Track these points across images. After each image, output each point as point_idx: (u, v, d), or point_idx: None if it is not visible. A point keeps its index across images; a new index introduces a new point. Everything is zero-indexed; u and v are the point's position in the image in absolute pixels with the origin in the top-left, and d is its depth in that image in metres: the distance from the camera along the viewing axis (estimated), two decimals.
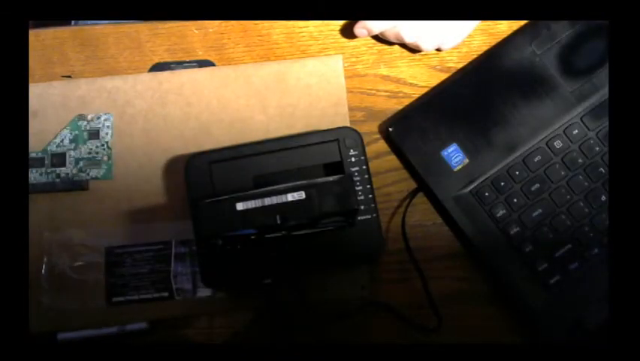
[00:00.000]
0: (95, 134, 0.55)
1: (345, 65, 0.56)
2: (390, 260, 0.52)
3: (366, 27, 0.54)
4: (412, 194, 0.53)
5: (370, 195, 0.50)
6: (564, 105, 0.54)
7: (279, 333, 0.50)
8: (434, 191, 0.52)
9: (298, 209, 0.45)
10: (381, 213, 0.50)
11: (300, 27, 0.57)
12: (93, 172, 0.54)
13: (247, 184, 0.50)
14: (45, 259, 0.52)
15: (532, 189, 0.52)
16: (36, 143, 0.54)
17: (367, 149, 0.51)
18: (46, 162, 0.54)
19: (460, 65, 0.56)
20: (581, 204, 0.52)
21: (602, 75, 0.54)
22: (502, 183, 0.52)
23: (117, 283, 0.52)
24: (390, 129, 0.54)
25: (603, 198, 0.52)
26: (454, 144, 0.53)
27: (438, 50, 0.55)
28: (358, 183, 0.50)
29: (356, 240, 0.49)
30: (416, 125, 0.54)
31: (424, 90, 0.56)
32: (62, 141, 0.54)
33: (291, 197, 0.45)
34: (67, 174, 0.54)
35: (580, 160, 0.53)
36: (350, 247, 0.49)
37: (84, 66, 0.56)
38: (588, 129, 0.53)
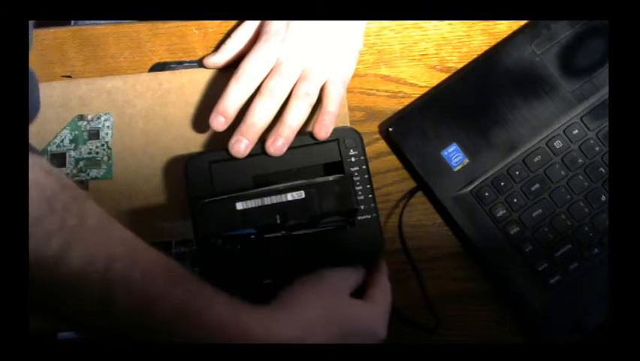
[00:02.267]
0: (95, 134, 0.55)
1: None
2: (390, 260, 0.52)
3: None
4: (410, 193, 0.53)
5: (370, 195, 0.50)
6: (564, 105, 0.54)
7: None
8: (434, 191, 0.52)
9: (298, 209, 0.45)
10: (381, 213, 0.50)
11: None
12: (93, 172, 0.54)
13: (247, 184, 0.49)
14: None
15: (532, 189, 0.52)
16: (36, 143, 0.54)
17: (367, 149, 0.51)
18: None
19: (460, 65, 0.56)
20: (581, 204, 0.52)
21: (602, 75, 0.54)
22: (502, 183, 0.52)
23: None
24: (390, 129, 0.53)
25: (603, 198, 0.52)
26: (454, 144, 0.53)
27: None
28: (358, 183, 0.49)
29: (356, 240, 0.49)
30: (416, 125, 0.54)
31: (424, 90, 0.56)
32: (62, 141, 0.54)
33: (290, 197, 0.45)
34: (67, 174, 0.54)
35: (580, 160, 0.53)
36: (350, 247, 0.49)
37: (84, 66, 0.56)
38: (588, 129, 0.53)
